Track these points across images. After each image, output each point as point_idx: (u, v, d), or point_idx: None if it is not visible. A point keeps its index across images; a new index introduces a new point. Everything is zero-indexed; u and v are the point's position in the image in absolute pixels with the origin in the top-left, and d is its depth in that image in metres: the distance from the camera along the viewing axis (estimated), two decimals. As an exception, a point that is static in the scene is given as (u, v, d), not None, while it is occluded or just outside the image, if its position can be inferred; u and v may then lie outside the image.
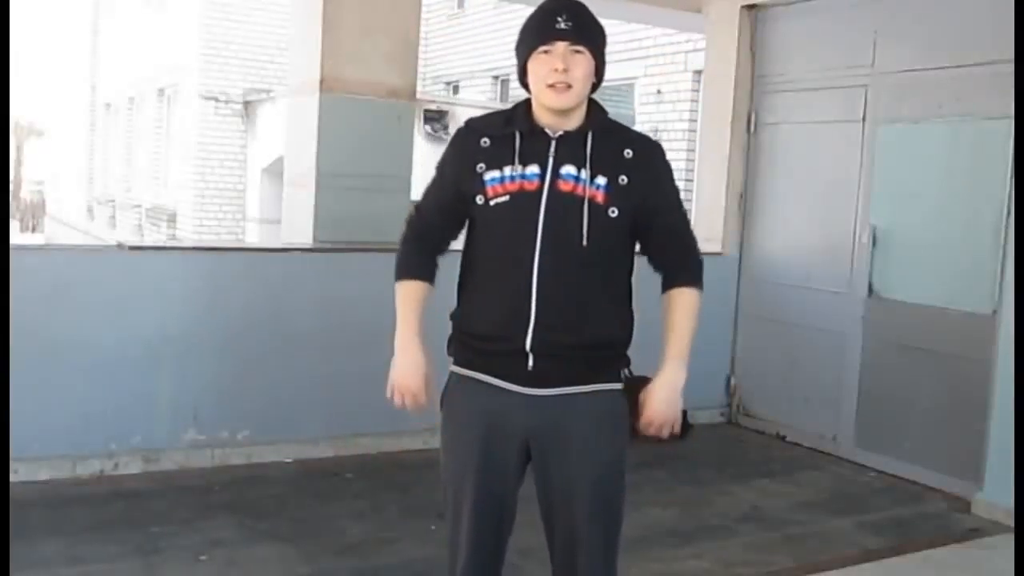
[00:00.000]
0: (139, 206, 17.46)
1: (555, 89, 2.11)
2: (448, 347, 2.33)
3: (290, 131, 5.55)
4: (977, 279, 4.72)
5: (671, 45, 11.36)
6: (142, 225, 17.10)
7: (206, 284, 4.65)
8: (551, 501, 2.23)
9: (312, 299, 4.85)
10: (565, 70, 2.10)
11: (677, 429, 2.18)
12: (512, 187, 2.14)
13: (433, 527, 4.02)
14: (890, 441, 5.16)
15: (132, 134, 18.88)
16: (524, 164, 2.15)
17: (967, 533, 4.33)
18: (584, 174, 2.14)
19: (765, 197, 5.95)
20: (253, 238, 14.39)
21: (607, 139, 2.18)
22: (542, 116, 2.17)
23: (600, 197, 2.14)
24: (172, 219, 15.77)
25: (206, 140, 15.04)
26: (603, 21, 2.21)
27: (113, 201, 19.19)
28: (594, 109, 2.22)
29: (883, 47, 5.24)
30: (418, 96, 6.56)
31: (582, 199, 2.13)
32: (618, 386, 2.21)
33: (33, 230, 29.01)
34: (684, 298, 2.21)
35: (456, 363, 2.30)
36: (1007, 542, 4.00)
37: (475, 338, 2.22)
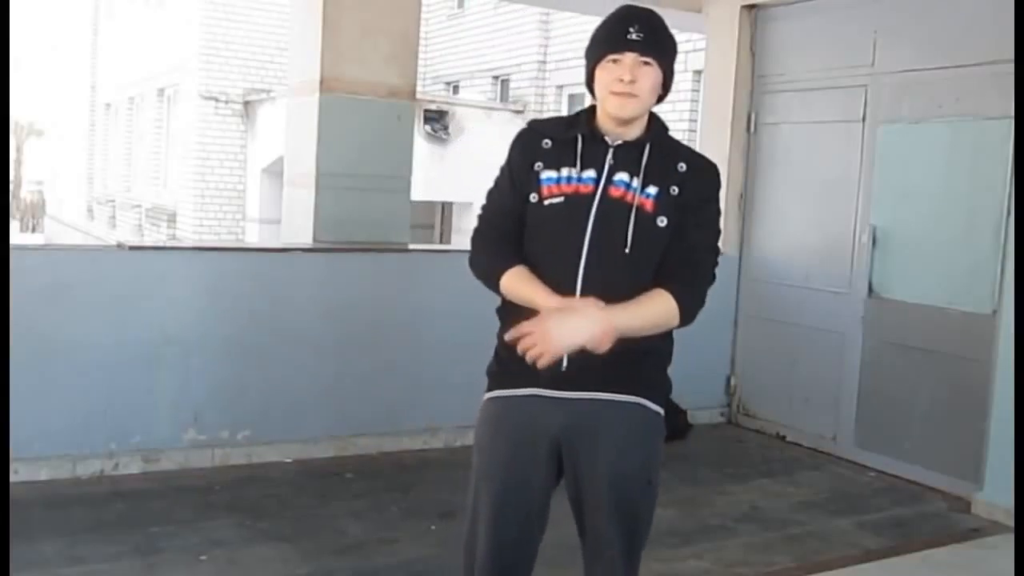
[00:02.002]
0: (139, 206, 17.46)
1: (619, 97, 2.12)
2: (488, 366, 2.28)
3: (290, 131, 5.55)
4: (977, 279, 4.72)
5: (671, 45, 11.35)
6: (142, 225, 17.10)
7: (206, 284, 4.65)
8: (582, 503, 2.23)
9: (312, 299, 4.85)
10: (632, 81, 2.11)
11: (550, 359, 2.04)
12: (568, 189, 2.15)
13: (433, 527, 4.02)
14: (890, 441, 5.16)
15: (132, 134, 18.89)
16: (583, 168, 2.16)
17: (967, 533, 4.33)
18: (636, 182, 2.15)
19: (765, 197, 5.95)
20: (253, 238, 14.40)
21: (663, 151, 2.19)
22: (604, 123, 2.19)
23: (649, 206, 2.14)
24: (172, 219, 15.77)
25: (206, 140, 15.04)
26: (667, 32, 2.20)
27: (113, 201, 19.20)
28: (655, 122, 2.23)
29: (883, 47, 5.24)
30: (418, 96, 6.57)
31: (630, 206, 2.13)
32: (650, 405, 2.20)
33: (33, 230, 29.03)
34: (663, 300, 2.12)
35: (488, 387, 2.27)
36: (1007, 542, 4.00)
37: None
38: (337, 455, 4.88)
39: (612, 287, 2.11)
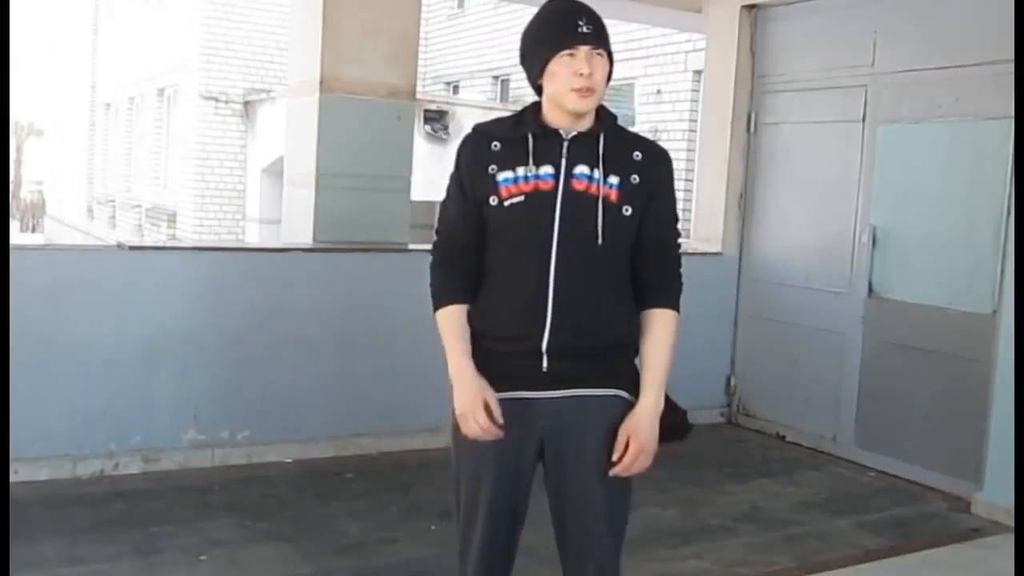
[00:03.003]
0: (139, 206, 17.47)
1: (580, 93, 2.12)
2: None
3: (290, 131, 5.55)
4: (977, 279, 4.72)
5: (671, 45, 11.36)
6: (142, 225, 17.11)
7: (206, 284, 4.65)
8: (565, 503, 2.22)
9: (312, 299, 4.85)
10: (590, 74, 2.11)
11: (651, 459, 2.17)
12: (527, 187, 2.14)
13: (433, 527, 4.02)
14: (890, 441, 5.16)
15: (132, 134, 18.90)
16: (538, 164, 2.15)
17: (967, 533, 4.32)
18: (597, 173, 2.15)
19: (765, 197, 5.95)
20: (253, 238, 14.40)
21: (618, 141, 2.20)
22: (556, 118, 2.18)
23: (614, 196, 2.15)
24: (172, 219, 15.78)
25: (206, 140, 15.05)
26: (604, 21, 2.21)
27: (113, 201, 19.21)
28: (603, 111, 2.23)
29: (883, 47, 5.24)
30: (418, 96, 6.57)
31: (596, 197, 2.14)
32: (628, 396, 2.20)
33: (33, 230, 29.03)
34: (665, 323, 2.21)
35: None
36: (1007, 542, 4.00)
37: (489, 339, 2.20)
38: (337, 455, 4.88)
39: (583, 281, 2.13)
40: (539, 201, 2.13)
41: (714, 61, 6.23)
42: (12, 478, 4.09)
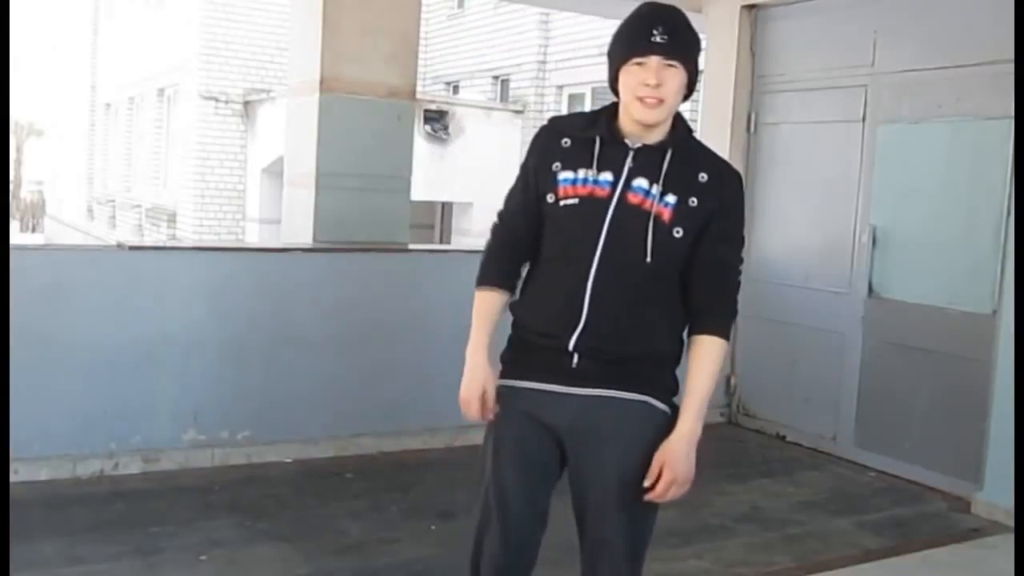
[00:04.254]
0: (139, 206, 17.46)
1: (644, 103, 2.09)
2: (502, 353, 2.30)
3: (290, 131, 5.54)
4: (977, 279, 4.72)
5: (671, 45, 11.34)
6: (142, 225, 17.10)
7: (206, 284, 4.65)
8: (585, 503, 2.22)
9: (312, 299, 4.85)
10: (658, 85, 2.07)
11: (688, 486, 2.16)
12: (583, 191, 2.13)
13: (433, 527, 4.02)
14: (890, 441, 5.15)
15: (132, 134, 18.89)
16: (599, 170, 2.13)
17: (967, 533, 4.33)
18: (655, 189, 2.12)
19: (765, 197, 5.95)
20: (253, 238, 14.39)
21: (685, 158, 2.16)
22: (626, 125, 2.15)
23: (667, 215, 2.11)
24: (172, 219, 15.77)
25: (206, 140, 15.04)
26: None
27: (113, 201, 19.20)
28: (679, 124, 2.19)
29: (883, 47, 5.24)
30: (418, 96, 6.56)
31: (648, 214, 2.11)
32: (659, 404, 2.19)
33: (33, 230, 29.03)
34: (713, 350, 2.19)
35: (502, 375, 2.27)
36: (1007, 542, 4.00)
37: (526, 331, 2.22)
38: (337, 455, 4.88)
39: (622, 292, 2.12)
40: (592, 207, 2.12)
41: (714, 61, 6.23)
42: (12, 478, 4.09)
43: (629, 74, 2.10)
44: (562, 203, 2.14)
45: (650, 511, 2.22)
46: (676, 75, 2.10)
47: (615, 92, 2.17)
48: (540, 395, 2.18)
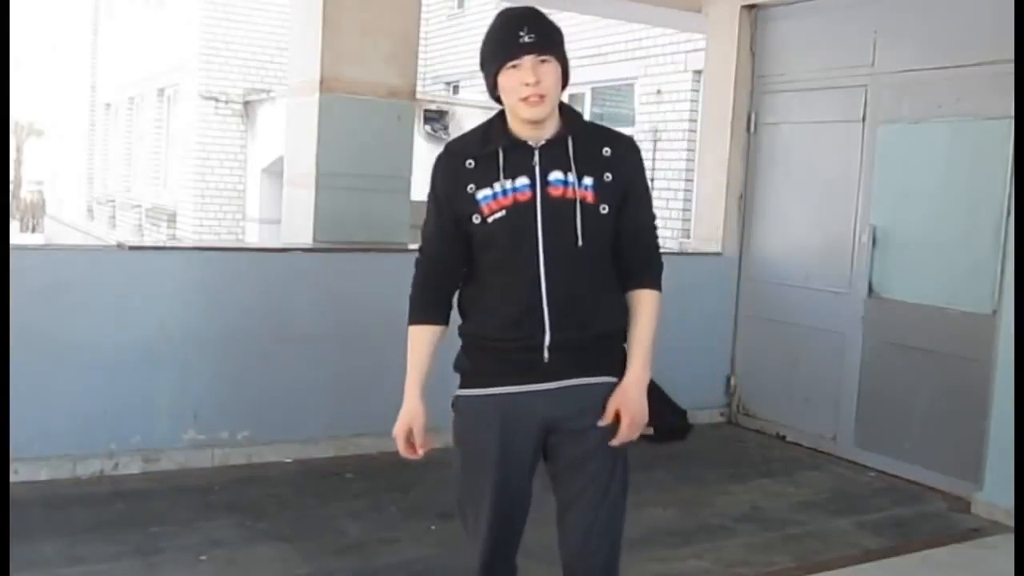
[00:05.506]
0: (139, 206, 17.46)
1: (529, 102, 2.16)
2: (456, 363, 2.35)
3: (290, 131, 5.55)
4: (977, 279, 4.72)
5: (671, 45, 11.34)
6: (142, 225, 17.10)
7: (206, 284, 4.65)
8: (570, 495, 2.27)
9: (312, 299, 4.85)
10: (537, 82, 2.14)
11: (648, 429, 2.27)
12: (506, 201, 2.20)
13: (433, 527, 4.02)
14: (890, 441, 5.16)
15: (132, 134, 18.89)
16: (512, 178, 2.20)
17: (967, 533, 4.33)
18: (571, 177, 2.20)
19: (765, 197, 5.95)
20: (253, 238, 14.39)
21: (586, 140, 2.25)
22: (520, 128, 2.22)
23: (590, 197, 2.20)
24: (172, 219, 15.77)
25: (206, 140, 15.04)
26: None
27: (113, 201, 19.19)
28: (567, 113, 2.27)
29: (883, 47, 5.24)
30: (418, 96, 6.56)
31: (573, 201, 2.19)
32: (619, 381, 2.27)
33: (33, 230, 29.00)
34: (651, 301, 2.31)
35: (464, 384, 2.33)
36: (1007, 542, 4.00)
37: (488, 339, 2.27)
38: (337, 455, 4.88)
39: (572, 282, 2.20)
40: (520, 213, 2.19)
41: (714, 61, 6.23)
42: (12, 478, 4.09)
43: (507, 78, 2.18)
44: (490, 219, 2.20)
45: (624, 468, 2.30)
46: (551, 69, 2.17)
47: (497, 100, 2.25)
48: (515, 397, 2.24)
